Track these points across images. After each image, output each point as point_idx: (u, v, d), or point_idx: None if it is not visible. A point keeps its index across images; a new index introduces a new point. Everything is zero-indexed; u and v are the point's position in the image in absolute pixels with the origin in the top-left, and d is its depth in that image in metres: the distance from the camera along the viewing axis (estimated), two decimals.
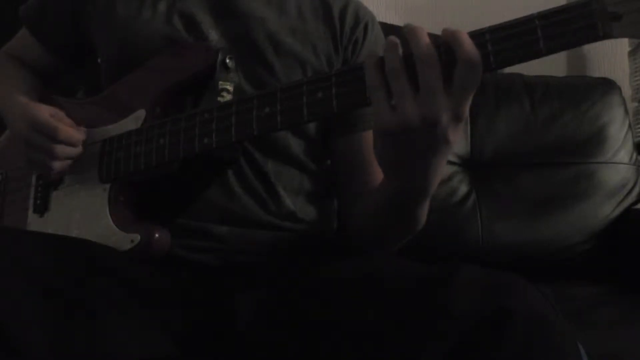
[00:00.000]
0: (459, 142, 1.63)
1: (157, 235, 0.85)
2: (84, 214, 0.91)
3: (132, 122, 0.90)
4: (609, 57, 2.08)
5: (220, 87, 0.87)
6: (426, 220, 0.85)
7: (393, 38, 0.67)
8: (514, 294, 0.63)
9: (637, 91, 2.05)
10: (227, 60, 0.88)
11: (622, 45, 2.07)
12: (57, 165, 0.89)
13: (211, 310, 0.84)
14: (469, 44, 0.63)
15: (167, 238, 0.86)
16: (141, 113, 0.90)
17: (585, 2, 0.60)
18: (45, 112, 0.91)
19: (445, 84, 0.64)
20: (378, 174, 0.92)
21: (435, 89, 0.64)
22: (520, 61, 0.64)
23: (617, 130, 1.68)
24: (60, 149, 0.88)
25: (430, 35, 0.66)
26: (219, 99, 0.87)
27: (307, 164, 0.96)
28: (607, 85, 1.72)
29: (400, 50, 0.66)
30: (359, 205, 0.93)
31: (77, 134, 0.90)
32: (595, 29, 0.60)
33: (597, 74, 1.98)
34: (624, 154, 1.67)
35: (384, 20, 1.10)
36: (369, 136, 0.95)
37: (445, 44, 0.65)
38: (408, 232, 0.86)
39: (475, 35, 0.64)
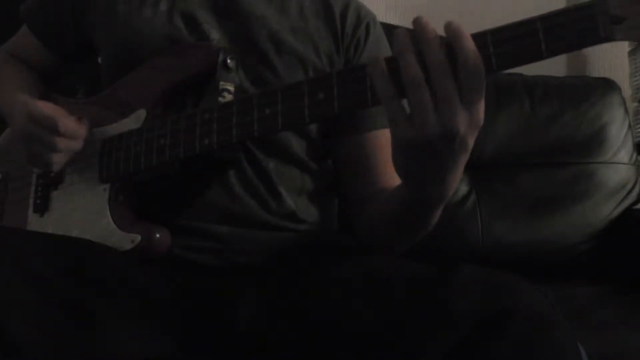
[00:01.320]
0: None
1: (157, 235, 0.85)
2: (84, 214, 0.91)
3: (133, 121, 0.90)
4: (609, 57, 2.08)
5: (221, 87, 0.87)
6: None
7: (404, 39, 0.63)
8: (514, 294, 0.63)
9: (637, 91, 2.05)
10: (228, 60, 0.88)
11: (622, 45, 2.07)
12: (57, 158, 0.89)
13: (211, 310, 0.84)
14: (469, 43, 0.62)
15: (167, 238, 0.86)
16: (142, 113, 0.90)
17: (588, 5, 0.60)
18: (46, 106, 0.90)
19: (459, 90, 0.62)
20: (381, 175, 0.92)
21: (452, 99, 0.62)
22: (522, 63, 0.63)
23: (617, 130, 1.68)
24: (60, 141, 0.88)
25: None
26: (220, 99, 0.87)
27: (308, 163, 0.96)
28: (607, 85, 1.72)
29: (414, 56, 0.63)
30: (368, 207, 0.92)
31: (78, 127, 0.90)
32: (597, 31, 0.59)
33: (597, 74, 1.98)
34: (624, 154, 1.67)
35: (384, 21, 1.10)
36: (372, 137, 0.95)
37: (446, 45, 0.63)
38: (419, 235, 0.86)
39: (477, 37, 0.64)
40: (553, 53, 0.62)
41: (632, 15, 0.58)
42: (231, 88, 0.88)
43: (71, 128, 0.88)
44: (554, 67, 1.97)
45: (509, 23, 0.63)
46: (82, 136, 0.90)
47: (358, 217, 0.96)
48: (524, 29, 0.62)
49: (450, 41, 0.63)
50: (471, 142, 0.66)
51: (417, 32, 0.63)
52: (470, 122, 0.64)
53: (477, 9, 2.01)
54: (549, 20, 0.62)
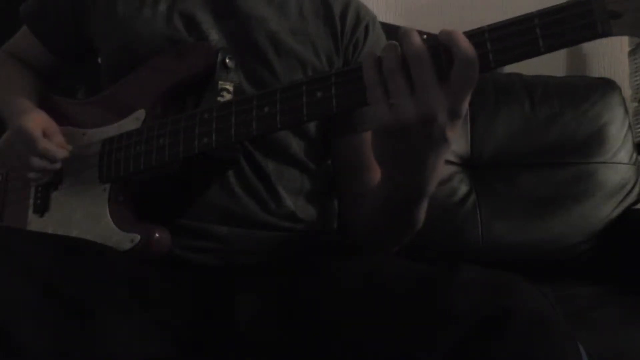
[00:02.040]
0: (458, 142, 1.63)
1: (157, 235, 0.85)
2: (84, 214, 0.91)
3: (132, 122, 0.90)
4: (609, 57, 2.08)
5: (220, 87, 0.87)
6: (426, 220, 0.85)
7: (392, 42, 0.67)
8: (514, 294, 0.63)
9: (637, 91, 2.06)
10: (227, 60, 0.88)
11: (622, 45, 2.08)
12: (31, 175, 0.92)
13: (211, 310, 0.84)
14: (464, 42, 0.64)
15: (167, 238, 0.86)
16: (141, 113, 0.90)
17: (585, 0, 0.60)
18: (36, 124, 0.92)
19: (442, 81, 0.65)
20: (377, 174, 0.92)
21: (428, 85, 0.65)
22: (519, 60, 0.64)
23: (617, 130, 1.68)
24: (35, 161, 0.90)
25: (429, 35, 0.67)
26: (219, 99, 0.87)
27: (307, 164, 0.96)
28: (607, 85, 1.73)
29: (399, 52, 0.66)
30: (362, 206, 0.93)
31: (58, 151, 0.91)
32: (594, 27, 0.60)
33: (597, 74, 1.99)
34: (624, 154, 1.67)
35: (383, 21, 1.10)
36: (369, 137, 0.95)
37: (443, 45, 0.65)
38: (405, 233, 0.86)
39: (475, 34, 0.65)
40: (550, 49, 0.62)
41: (629, 10, 0.58)
42: (230, 88, 0.88)
43: (47, 150, 0.90)
44: (553, 66, 1.97)
45: (506, 20, 0.64)
46: (60, 160, 0.92)
47: (353, 216, 0.96)
48: (521, 26, 0.63)
49: (443, 39, 0.65)
50: (451, 135, 0.67)
51: (400, 34, 0.67)
52: (450, 111, 0.65)
53: (476, 9, 2.01)
54: (547, 17, 0.62)
